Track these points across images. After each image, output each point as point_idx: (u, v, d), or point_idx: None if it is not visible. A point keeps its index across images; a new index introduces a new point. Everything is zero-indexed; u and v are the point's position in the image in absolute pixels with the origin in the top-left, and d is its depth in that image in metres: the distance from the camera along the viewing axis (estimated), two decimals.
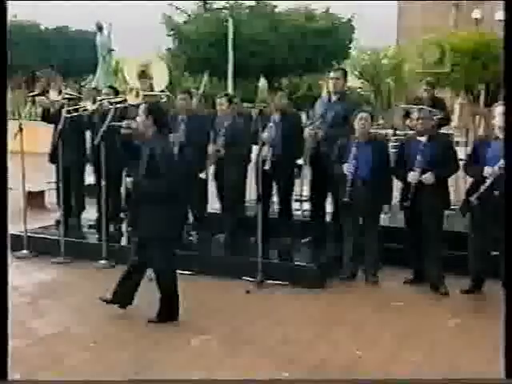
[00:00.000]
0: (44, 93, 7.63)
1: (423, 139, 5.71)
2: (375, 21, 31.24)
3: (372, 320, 5.10)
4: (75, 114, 6.97)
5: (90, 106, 7.11)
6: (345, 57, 20.34)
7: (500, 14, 30.37)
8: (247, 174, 6.96)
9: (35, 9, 26.65)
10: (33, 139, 15.85)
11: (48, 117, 7.55)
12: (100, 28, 21.06)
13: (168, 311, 4.99)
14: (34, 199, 10.05)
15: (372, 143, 6.00)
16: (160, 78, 7.93)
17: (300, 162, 6.60)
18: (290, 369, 4.17)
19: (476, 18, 29.76)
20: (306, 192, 8.04)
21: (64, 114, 6.84)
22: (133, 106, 6.88)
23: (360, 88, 22.84)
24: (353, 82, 22.35)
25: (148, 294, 5.16)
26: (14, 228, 7.99)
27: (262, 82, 21.81)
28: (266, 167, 6.34)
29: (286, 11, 20.12)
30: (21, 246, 7.04)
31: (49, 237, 7.16)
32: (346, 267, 6.14)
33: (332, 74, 6.71)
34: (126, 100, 7.14)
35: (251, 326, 4.98)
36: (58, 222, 7.69)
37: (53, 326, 4.93)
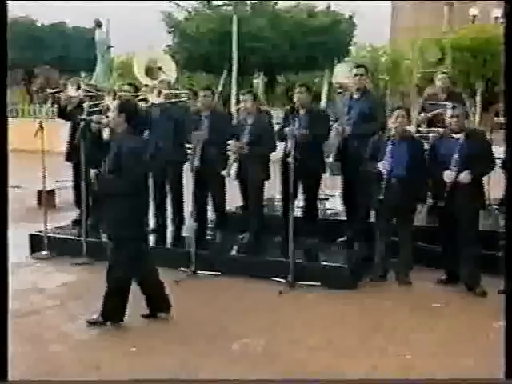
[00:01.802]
0: (61, 90, 7.47)
1: (459, 137, 5.61)
2: (369, 19, 31.12)
3: (412, 322, 4.98)
4: (96, 109, 6.83)
5: (110, 102, 6.96)
6: (345, 54, 20.26)
7: (497, 12, 30.51)
8: (270, 173, 6.84)
9: (30, 5, 26.36)
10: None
11: (65, 114, 7.39)
12: (99, 25, 20.86)
13: (110, 310, 4.78)
14: (45, 198, 9.90)
15: (408, 141, 5.87)
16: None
17: (330, 159, 6.48)
18: (338, 376, 4.05)
19: (474, 16, 29.88)
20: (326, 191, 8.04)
21: (86, 110, 6.69)
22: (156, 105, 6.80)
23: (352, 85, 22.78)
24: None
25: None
26: (27, 227, 7.91)
27: (257, 80, 21.69)
28: (290, 159, 6.22)
29: (287, 8, 20.00)
30: (40, 246, 6.89)
31: (69, 237, 7.01)
32: (378, 267, 6.04)
33: (354, 71, 6.63)
34: (146, 98, 7.01)
35: (289, 330, 4.85)
36: (74, 222, 7.56)
37: (87, 330, 4.78)
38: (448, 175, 5.52)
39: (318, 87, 20.96)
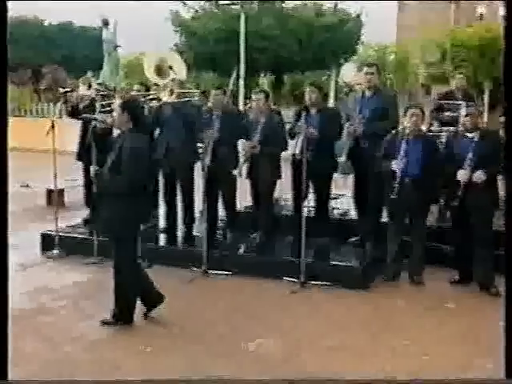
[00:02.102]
0: (73, 89, 7.46)
1: (473, 136, 5.57)
2: (375, 17, 31.09)
3: (426, 322, 4.96)
4: (108, 109, 6.81)
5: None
6: (353, 52, 20.22)
7: (503, 10, 30.36)
8: (281, 172, 6.82)
9: (38, 5, 26.38)
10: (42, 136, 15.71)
11: (76, 113, 7.39)
12: (106, 24, 20.86)
13: (123, 312, 4.78)
14: (56, 197, 9.91)
15: (422, 140, 5.83)
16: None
17: (342, 159, 6.44)
18: (352, 375, 4.03)
19: (481, 14, 29.77)
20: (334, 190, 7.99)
21: (98, 110, 6.68)
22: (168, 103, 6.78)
23: (359, 84, 22.74)
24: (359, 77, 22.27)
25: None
26: (37, 226, 7.92)
27: (263, 79, 21.68)
28: (297, 151, 6.20)
29: (294, 7, 19.96)
30: (51, 245, 6.89)
31: (80, 236, 7.00)
32: (390, 267, 6.02)
33: (366, 69, 6.57)
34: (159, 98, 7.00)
35: (304, 330, 4.83)
36: (85, 221, 7.56)
37: (100, 330, 4.77)
38: (462, 174, 5.48)
39: (325, 86, 20.99)
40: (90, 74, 24.16)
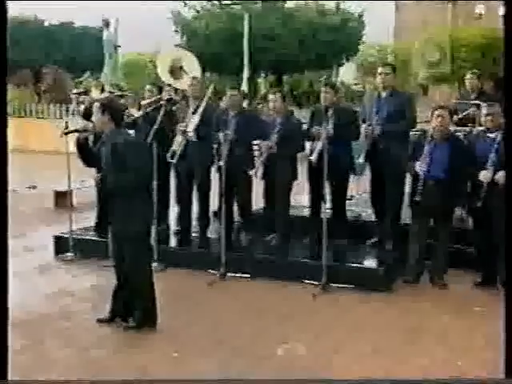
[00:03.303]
0: (85, 91, 7.38)
1: (495, 136, 5.51)
2: (372, 17, 31.08)
3: (458, 326, 4.87)
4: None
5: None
6: (355, 52, 20.17)
7: (502, 9, 30.36)
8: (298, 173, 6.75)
9: (38, 4, 26.23)
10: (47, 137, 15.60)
11: (89, 115, 7.28)
12: (107, 24, 20.75)
13: (146, 316, 4.69)
14: (61, 199, 9.83)
15: (448, 142, 5.71)
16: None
17: (360, 160, 6.38)
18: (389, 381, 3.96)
19: (480, 14, 29.79)
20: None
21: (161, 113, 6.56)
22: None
23: (356, 84, 22.73)
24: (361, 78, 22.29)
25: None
26: (46, 229, 7.85)
27: (262, 80, 21.62)
28: (313, 159, 6.14)
29: (297, 7, 19.89)
30: (65, 248, 6.80)
31: (94, 238, 6.92)
32: (412, 269, 5.95)
33: (381, 69, 6.48)
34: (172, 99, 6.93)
35: (331, 334, 4.75)
36: (97, 224, 7.47)
37: (124, 334, 4.67)
38: (484, 175, 5.42)
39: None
40: (86, 74, 24.15)
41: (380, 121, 6.30)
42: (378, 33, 25.24)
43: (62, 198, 9.86)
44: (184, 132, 6.66)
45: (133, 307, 4.70)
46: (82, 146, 5.11)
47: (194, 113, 6.73)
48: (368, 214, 7.11)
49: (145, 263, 4.74)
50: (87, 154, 5.00)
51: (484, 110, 5.71)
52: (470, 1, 31.54)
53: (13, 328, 4.51)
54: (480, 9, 30.31)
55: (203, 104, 6.70)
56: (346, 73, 22.51)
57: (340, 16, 19.80)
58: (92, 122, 4.85)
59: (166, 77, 7.96)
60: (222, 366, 4.12)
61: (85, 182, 8.83)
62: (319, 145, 6.18)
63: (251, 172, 6.52)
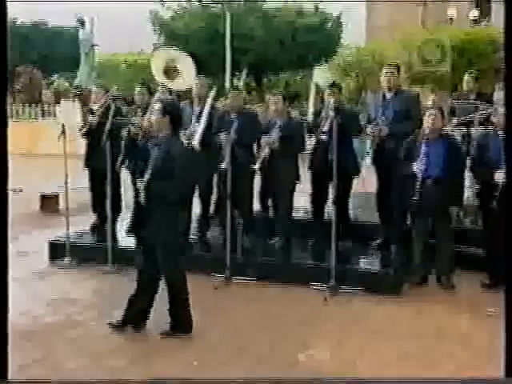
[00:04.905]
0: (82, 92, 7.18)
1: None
2: (348, 18, 31.21)
3: (477, 329, 4.82)
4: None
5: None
6: (334, 53, 20.19)
7: (474, 13, 30.92)
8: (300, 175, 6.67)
9: (11, 3, 25.63)
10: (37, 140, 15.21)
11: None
12: (82, 23, 20.47)
13: (182, 322, 4.60)
14: (48, 203, 9.59)
15: (443, 141, 5.75)
16: None
17: (367, 161, 6.34)
18: None
19: (451, 18, 30.17)
20: None
21: (111, 114, 6.41)
22: None
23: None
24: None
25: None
26: (35, 233, 7.64)
27: (238, 82, 21.53)
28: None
29: (277, 7, 19.83)
30: (61, 253, 6.60)
31: (93, 243, 6.74)
32: (418, 271, 5.91)
33: (385, 70, 6.43)
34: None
35: (352, 339, 4.66)
36: (93, 227, 7.29)
37: (138, 342, 4.53)
38: (499, 176, 5.40)
39: (299, 87, 20.94)
40: (56, 76, 23.70)
41: (386, 121, 6.26)
42: (353, 34, 25.38)
43: (48, 202, 9.64)
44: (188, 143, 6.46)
45: (170, 314, 4.58)
46: (131, 141, 5.00)
47: (197, 120, 6.57)
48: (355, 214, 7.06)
49: (182, 270, 4.63)
50: (133, 150, 4.82)
51: (500, 110, 5.68)
52: (440, 4, 31.98)
53: (20, 338, 4.36)
54: (452, 12, 30.72)
55: (207, 108, 6.55)
56: (319, 74, 22.59)
57: (318, 17, 19.80)
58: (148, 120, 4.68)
59: (160, 77, 7.79)
60: (248, 375, 4.00)
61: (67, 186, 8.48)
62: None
63: (255, 167, 6.41)
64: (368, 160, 6.32)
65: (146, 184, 4.43)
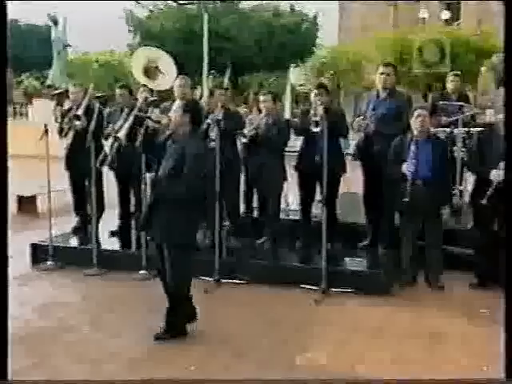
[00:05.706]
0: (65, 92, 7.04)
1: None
2: (322, 19, 31.39)
3: (473, 330, 4.81)
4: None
5: None
6: (310, 54, 20.22)
7: (445, 14, 31.33)
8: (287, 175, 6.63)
9: None
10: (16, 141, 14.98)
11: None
12: (55, 22, 20.13)
13: (177, 325, 4.54)
14: (26, 205, 9.38)
15: (431, 141, 5.78)
16: None
17: (350, 150, 6.33)
18: None
19: (423, 18, 30.52)
20: None
21: (96, 114, 6.29)
22: None
23: (301, 85, 22.88)
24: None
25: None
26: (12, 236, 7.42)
27: (209, 82, 21.38)
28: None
29: (254, 7, 19.79)
30: (44, 256, 6.44)
31: (77, 246, 6.60)
32: (406, 271, 5.92)
33: (381, 70, 6.40)
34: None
35: (351, 342, 4.60)
36: (75, 229, 7.14)
37: (134, 347, 4.42)
38: (495, 174, 5.41)
39: (275, 88, 20.91)
40: (24, 76, 23.29)
41: (375, 120, 6.25)
42: (327, 35, 25.52)
43: (27, 204, 9.43)
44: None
45: (169, 316, 4.49)
46: (149, 137, 4.94)
47: None
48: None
49: (190, 274, 4.58)
50: (151, 146, 4.71)
51: (490, 111, 5.73)
52: (412, 5, 32.36)
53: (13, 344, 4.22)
54: (423, 13, 31.05)
55: None
56: (293, 75, 22.65)
57: (295, 17, 19.81)
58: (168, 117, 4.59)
59: (140, 77, 7.65)
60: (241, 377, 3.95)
61: (44, 188, 8.28)
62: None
63: (244, 139, 6.38)
64: (350, 150, 6.26)
65: (155, 181, 4.39)
